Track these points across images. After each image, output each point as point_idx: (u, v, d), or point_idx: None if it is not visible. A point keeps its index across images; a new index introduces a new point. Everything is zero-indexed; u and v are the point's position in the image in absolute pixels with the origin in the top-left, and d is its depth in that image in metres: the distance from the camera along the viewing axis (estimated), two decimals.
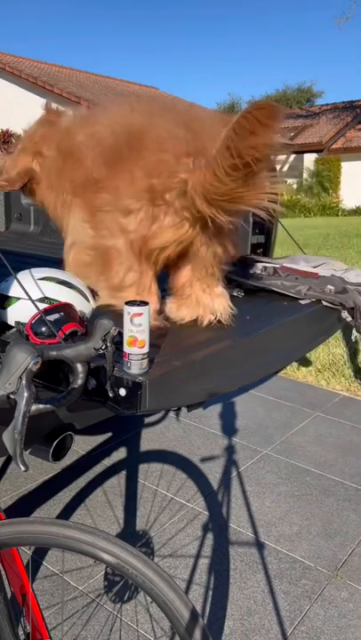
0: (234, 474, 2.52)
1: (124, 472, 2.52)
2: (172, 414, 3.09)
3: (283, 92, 33.50)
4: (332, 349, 4.07)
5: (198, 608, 1.75)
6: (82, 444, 2.73)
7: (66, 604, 1.75)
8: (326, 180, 18.55)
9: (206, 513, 2.23)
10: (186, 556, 1.98)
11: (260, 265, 2.27)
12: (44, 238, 3.51)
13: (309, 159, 19.30)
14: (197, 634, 0.91)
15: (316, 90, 34.27)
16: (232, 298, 1.86)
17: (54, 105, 2.05)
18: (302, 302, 2.04)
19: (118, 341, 1.20)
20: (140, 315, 1.23)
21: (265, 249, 2.61)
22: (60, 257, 1.93)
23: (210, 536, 2.09)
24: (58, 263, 1.88)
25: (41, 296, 1.57)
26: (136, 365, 1.25)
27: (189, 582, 1.86)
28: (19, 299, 1.59)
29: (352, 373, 3.69)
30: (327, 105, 23.10)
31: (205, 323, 1.73)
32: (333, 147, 19.18)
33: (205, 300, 1.75)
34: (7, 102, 15.80)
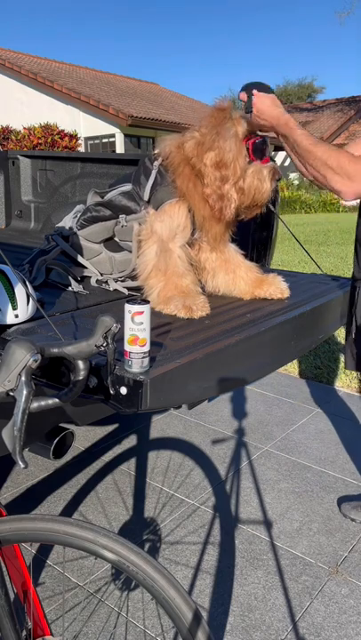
0: (234, 470, 2.53)
1: (124, 469, 2.52)
2: (173, 410, 3.09)
3: (283, 88, 33.38)
4: (333, 346, 4.08)
5: (199, 604, 1.76)
6: (82, 441, 2.74)
7: (67, 600, 1.76)
8: None
9: (206, 509, 2.23)
10: (186, 553, 1.99)
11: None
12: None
13: None
14: (198, 631, 0.91)
15: (317, 85, 34.26)
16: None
17: None
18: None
19: (119, 339, 1.19)
20: (140, 313, 1.22)
21: (266, 245, 2.60)
22: None
23: (210, 532, 2.10)
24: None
25: None
26: (137, 364, 1.25)
27: (190, 578, 1.87)
28: None
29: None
30: (332, 99, 23.12)
31: None
32: (336, 142, 19.13)
33: None
34: (7, 98, 15.77)
